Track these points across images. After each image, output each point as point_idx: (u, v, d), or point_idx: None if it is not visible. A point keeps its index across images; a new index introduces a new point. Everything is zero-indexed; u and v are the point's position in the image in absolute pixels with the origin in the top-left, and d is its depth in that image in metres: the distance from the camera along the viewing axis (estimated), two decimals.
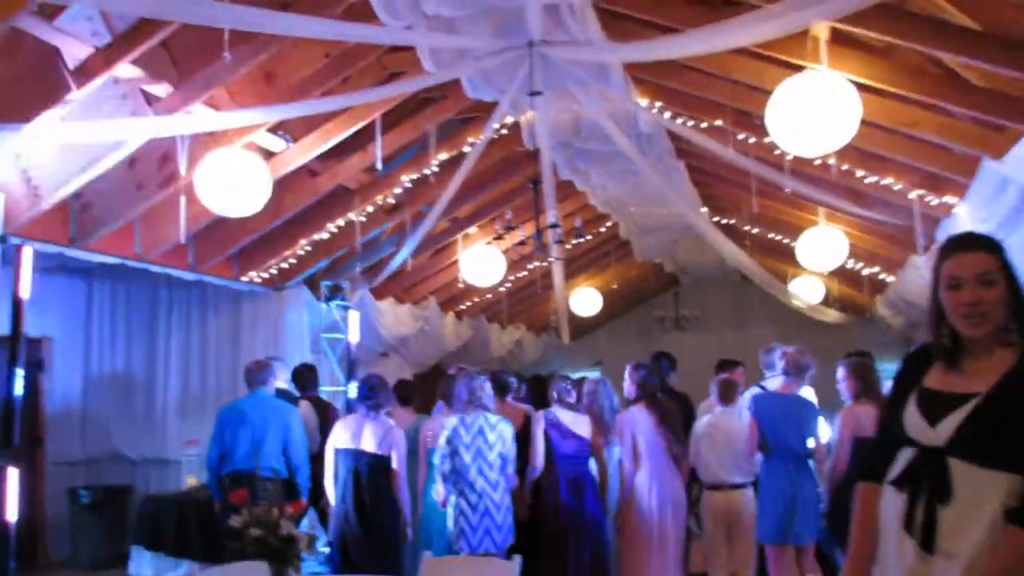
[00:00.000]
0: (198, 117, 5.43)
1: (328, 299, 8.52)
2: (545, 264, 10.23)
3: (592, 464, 5.89)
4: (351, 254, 8.80)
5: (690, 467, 5.95)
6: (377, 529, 5.43)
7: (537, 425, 5.78)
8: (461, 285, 9.95)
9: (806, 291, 10.84)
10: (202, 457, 6.69)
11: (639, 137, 6.95)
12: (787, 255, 9.75)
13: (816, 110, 4.40)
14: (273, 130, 6.41)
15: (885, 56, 5.20)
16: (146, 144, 5.63)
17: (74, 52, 4.71)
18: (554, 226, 7.65)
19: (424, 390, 8.41)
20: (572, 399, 5.96)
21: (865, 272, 9.69)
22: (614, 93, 6.02)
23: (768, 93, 4.63)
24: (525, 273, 11.44)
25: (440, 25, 5.01)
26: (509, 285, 11.44)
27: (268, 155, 6.51)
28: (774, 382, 6.33)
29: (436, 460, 5.49)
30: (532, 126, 6.71)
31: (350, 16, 5.06)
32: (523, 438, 5.74)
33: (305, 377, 7.18)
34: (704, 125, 6.67)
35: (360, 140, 6.81)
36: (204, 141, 5.89)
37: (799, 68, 4.80)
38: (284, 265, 8.28)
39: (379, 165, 6.64)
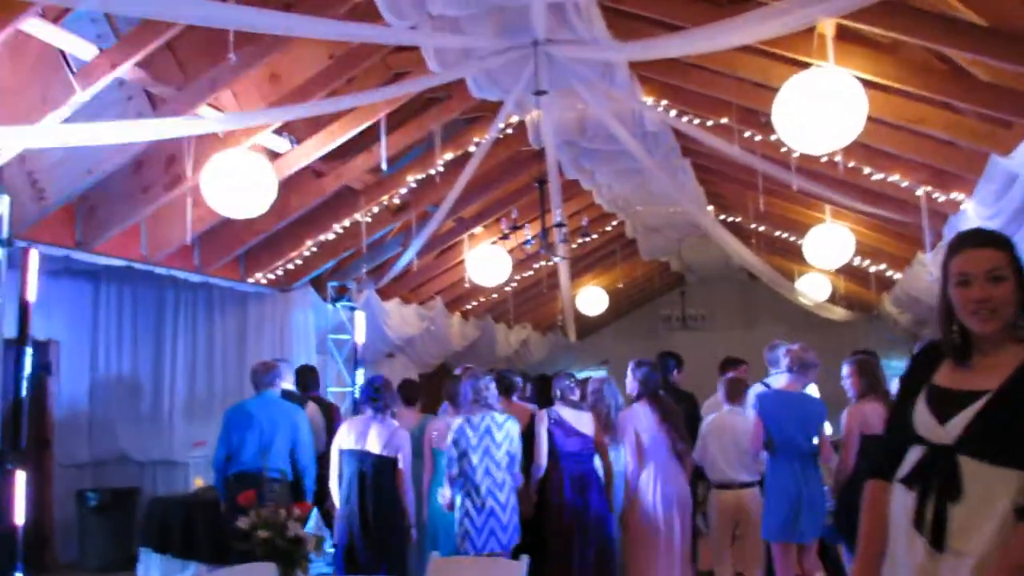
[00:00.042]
0: (203, 119, 5.44)
1: (334, 300, 8.54)
2: (551, 263, 10.22)
3: (597, 462, 5.88)
4: (357, 255, 8.80)
5: (695, 465, 5.94)
6: (382, 530, 5.42)
7: (540, 424, 5.76)
8: (467, 285, 9.95)
9: (813, 289, 10.82)
10: (209, 458, 6.70)
11: (645, 136, 6.94)
12: (794, 253, 9.73)
13: (822, 107, 4.39)
14: (278, 131, 6.42)
15: (891, 52, 5.18)
16: (152, 146, 5.64)
17: (79, 54, 4.72)
18: (560, 225, 7.64)
19: (430, 390, 8.41)
20: (575, 396, 5.95)
21: (872, 269, 9.67)
22: (620, 92, 6.01)
23: (774, 90, 4.62)
24: (531, 273, 11.45)
25: (445, 25, 5.01)
26: (515, 285, 11.43)
27: (273, 156, 6.52)
28: (779, 380, 6.30)
29: (443, 463, 5.48)
30: (537, 125, 6.70)
31: (354, 16, 5.06)
32: (528, 437, 5.72)
33: (307, 377, 7.18)
34: (710, 123, 6.66)
35: (365, 140, 6.82)
36: (210, 143, 5.90)
37: (805, 65, 4.80)
38: (290, 266, 8.28)
39: (384, 165, 6.65)
